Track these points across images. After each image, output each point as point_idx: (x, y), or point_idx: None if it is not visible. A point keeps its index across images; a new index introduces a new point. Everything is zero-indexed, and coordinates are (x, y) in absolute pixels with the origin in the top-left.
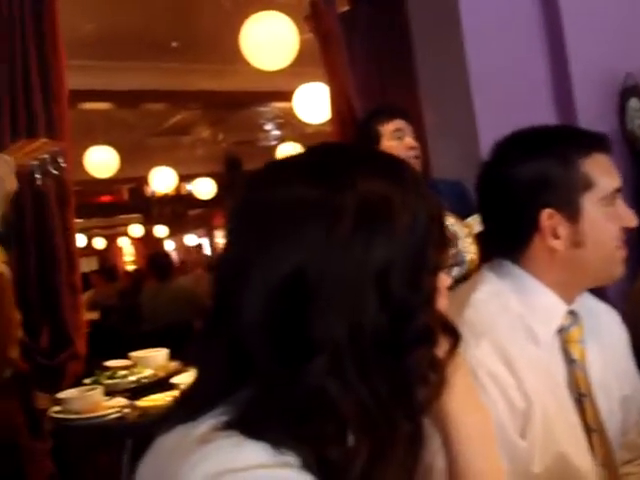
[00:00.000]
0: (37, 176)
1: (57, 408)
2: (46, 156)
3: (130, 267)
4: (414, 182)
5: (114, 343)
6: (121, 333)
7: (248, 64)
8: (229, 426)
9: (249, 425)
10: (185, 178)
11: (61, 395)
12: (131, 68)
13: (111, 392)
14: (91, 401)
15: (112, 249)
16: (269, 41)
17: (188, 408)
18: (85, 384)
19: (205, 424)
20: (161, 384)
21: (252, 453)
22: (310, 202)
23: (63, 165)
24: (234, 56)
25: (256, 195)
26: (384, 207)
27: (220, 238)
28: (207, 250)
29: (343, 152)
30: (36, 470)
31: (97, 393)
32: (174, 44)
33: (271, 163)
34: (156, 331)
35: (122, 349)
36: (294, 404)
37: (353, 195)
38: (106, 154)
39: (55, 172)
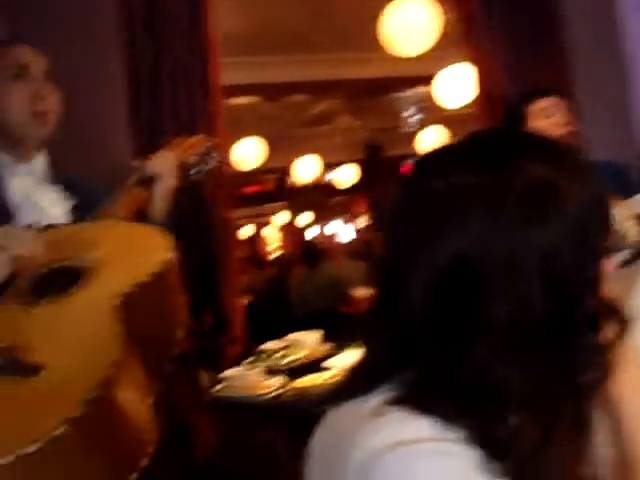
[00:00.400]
0: (195, 170)
1: (220, 386)
2: (203, 151)
3: (275, 254)
4: (579, 166)
5: (265, 327)
6: (270, 318)
7: (387, 50)
8: (398, 401)
9: (418, 401)
10: (327, 166)
11: (224, 374)
12: (275, 62)
13: (270, 372)
14: (252, 380)
15: (259, 237)
16: (409, 27)
17: (357, 385)
18: (244, 364)
19: (375, 399)
20: (315, 365)
21: (421, 427)
22: (475, 188)
23: (219, 159)
24: (373, 44)
25: (418, 183)
26: (549, 192)
27: (362, 224)
28: (349, 237)
29: (506, 138)
30: (200, 443)
31: (257, 373)
32: (315, 36)
33: (432, 152)
34: (304, 316)
35: (272, 333)
36: (460, 384)
37: (519, 180)
38: (253, 146)
39: (212, 166)
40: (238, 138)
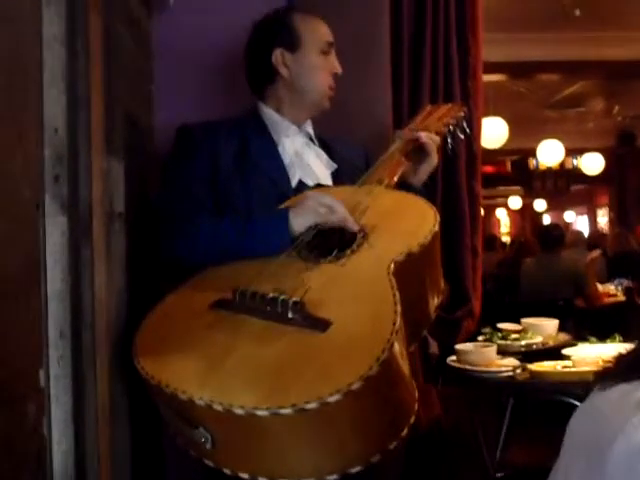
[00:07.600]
0: (449, 141)
1: (453, 357)
2: (453, 120)
3: (506, 238)
4: None
5: (493, 308)
6: (499, 300)
7: None
8: None
9: None
10: (571, 152)
11: (459, 347)
12: (527, 39)
13: (502, 352)
14: (487, 357)
15: (490, 219)
16: None
17: (626, 372)
18: (479, 341)
19: None
20: (550, 352)
21: None
22: None
23: (467, 129)
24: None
25: None
26: None
27: (602, 217)
28: (586, 228)
29: None
30: (426, 411)
31: (492, 350)
32: (577, 12)
33: None
34: (535, 303)
35: (500, 315)
36: None
37: None
38: (496, 125)
39: (462, 136)
40: (482, 116)
